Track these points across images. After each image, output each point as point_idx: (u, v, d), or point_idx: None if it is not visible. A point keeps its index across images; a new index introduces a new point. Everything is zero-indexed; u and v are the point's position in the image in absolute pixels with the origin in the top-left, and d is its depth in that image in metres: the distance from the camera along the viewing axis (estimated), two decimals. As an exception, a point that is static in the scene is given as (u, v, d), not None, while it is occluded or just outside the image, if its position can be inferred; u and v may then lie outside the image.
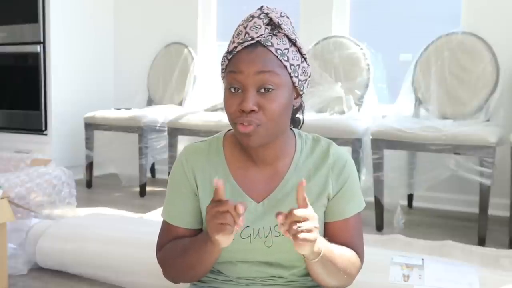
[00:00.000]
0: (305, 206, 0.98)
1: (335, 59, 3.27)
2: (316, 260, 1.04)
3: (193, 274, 1.16)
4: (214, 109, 3.47)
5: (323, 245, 1.04)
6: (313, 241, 0.98)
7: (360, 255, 1.19)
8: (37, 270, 2.11)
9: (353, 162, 1.20)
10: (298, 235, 0.95)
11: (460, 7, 3.22)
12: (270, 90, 1.05)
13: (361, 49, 3.24)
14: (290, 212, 0.96)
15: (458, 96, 2.95)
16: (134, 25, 4.32)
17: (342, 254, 1.12)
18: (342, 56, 3.26)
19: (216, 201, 0.98)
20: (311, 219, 0.97)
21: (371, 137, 2.74)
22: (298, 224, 0.95)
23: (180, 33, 4.04)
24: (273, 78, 1.05)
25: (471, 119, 2.85)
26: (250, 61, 1.05)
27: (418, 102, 3.06)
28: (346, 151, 1.22)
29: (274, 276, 1.18)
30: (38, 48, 3.87)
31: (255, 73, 1.04)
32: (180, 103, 3.85)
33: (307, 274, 1.20)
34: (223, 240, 1.01)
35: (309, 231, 0.96)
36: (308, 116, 3.15)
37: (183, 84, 3.88)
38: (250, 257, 1.16)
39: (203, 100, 3.82)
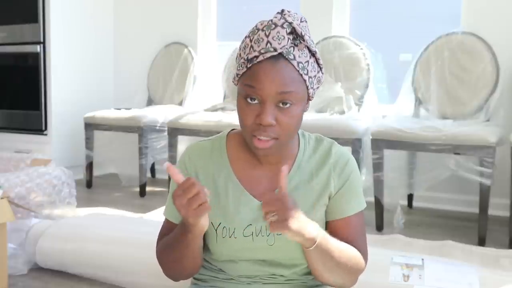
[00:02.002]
0: (284, 194, 1.01)
1: (335, 59, 3.27)
2: (312, 248, 1.05)
3: (181, 268, 1.17)
4: (214, 109, 3.47)
5: (318, 233, 1.05)
6: (287, 229, 0.99)
7: (364, 254, 1.19)
8: (37, 270, 2.11)
9: (355, 161, 1.21)
10: (272, 224, 0.99)
11: (460, 7, 3.22)
12: (288, 104, 1.05)
13: (361, 49, 3.24)
14: (263, 202, 0.99)
15: (458, 96, 2.95)
16: (134, 25, 4.32)
17: (342, 248, 1.12)
18: (342, 56, 3.27)
19: (181, 189, 0.99)
20: (281, 208, 0.99)
21: (371, 137, 2.75)
22: (271, 216, 0.98)
23: (180, 33, 4.04)
24: (293, 96, 1.05)
25: (471, 119, 2.85)
26: (272, 78, 1.03)
27: (418, 102, 3.06)
28: (355, 161, 1.22)
29: (275, 275, 1.18)
30: (38, 48, 3.87)
31: (276, 93, 1.04)
32: (180, 103, 3.85)
33: (308, 273, 1.20)
34: (204, 221, 1.04)
35: (283, 220, 0.98)
36: (308, 116, 3.15)
37: (183, 84, 3.88)
38: (252, 256, 1.16)
39: (203, 100, 3.82)
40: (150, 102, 4.06)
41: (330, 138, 1.24)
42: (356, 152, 2.78)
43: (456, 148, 2.53)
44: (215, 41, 4.12)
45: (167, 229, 1.21)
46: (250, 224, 1.14)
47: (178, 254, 1.13)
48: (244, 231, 1.14)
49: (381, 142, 2.69)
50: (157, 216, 2.71)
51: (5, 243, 1.84)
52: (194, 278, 1.27)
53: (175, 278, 1.22)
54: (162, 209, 1.26)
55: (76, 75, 4.06)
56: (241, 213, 1.15)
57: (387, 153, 2.74)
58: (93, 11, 4.21)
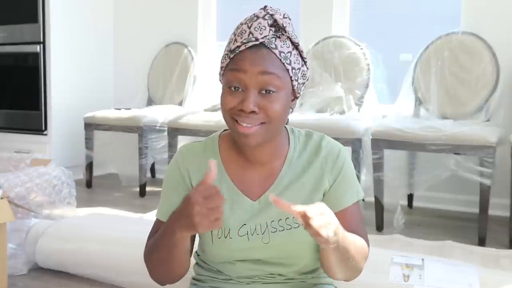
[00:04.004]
0: (308, 215, 0.94)
1: (335, 59, 3.27)
2: (334, 246, 1.00)
3: (167, 270, 1.13)
4: (214, 109, 3.47)
5: (340, 231, 1.01)
6: (338, 238, 0.97)
7: (366, 242, 1.18)
8: (37, 270, 2.11)
9: (346, 151, 1.19)
10: (322, 233, 0.93)
11: (460, 7, 3.22)
12: (271, 92, 1.05)
13: (361, 49, 3.24)
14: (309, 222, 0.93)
15: (458, 96, 2.95)
16: (134, 25, 4.32)
17: (355, 241, 1.10)
18: (342, 56, 3.26)
19: (202, 195, 0.94)
20: (328, 219, 0.94)
21: (371, 137, 2.74)
22: (327, 229, 0.93)
23: (180, 33, 4.04)
24: (275, 81, 1.05)
25: (471, 119, 2.85)
26: (254, 61, 1.04)
27: (418, 102, 3.06)
28: (346, 151, 1.22)
29: (273, 274, 1.18)
30: (38, 48, 3.87)
31: (259, 73, 1.04)
32: (180, 103, 3.85)
33: (307, 272, 1.21)
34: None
35: (332, 232, 0.95)
36: (308, 116, 3.15)
37: (183, 84, 3.88)
38: (249, 255, 1.16)
39: (203, 100, 3.82)
40: (150, 102, 4.06)
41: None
42: (356, 152, 2.79)
43: (456, 148, 2.53)
44: (215, 41, 4.12)
45: (157, 228, 1.20)
46: (245, 224, 1.14)
47: (165, 255, 1.10)
48: (239, 231, 1.14)
49: (381, 142, 2.69)
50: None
51: (5, 243, 1.84)
52: (193, 279, 1.27)
53: (161, 282, 1.19)
54: (156, 212, 1.24)
55: (76, 75, 4.06)
56: (235, 213, 1.15)
57: (387, 153, 2.74)
58: (93, 11, 4.21)
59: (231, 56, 1.08)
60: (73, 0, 4.02)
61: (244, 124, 1.05)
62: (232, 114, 1.07)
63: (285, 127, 1.20)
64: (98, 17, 4.27)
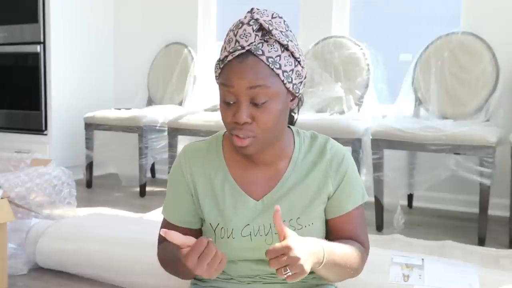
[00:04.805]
0: (286, 244, 0.96)
1: (335, 59, 3.27)
2: (319, 267, 1.04)
3: (182, 277, 1.19)
4: (214, 109, 3.47)
5: (324, 252, 1.04)
6: (305, 274, 0.97)
7: (365, 245, 1.19)
8: (37, 270, 2.11)
9: (350, 156, 1.20)
10: (289, 277, 0.96)
11: (460, 7, 3.22)
12: (264, 101, 1.05)
13: (361, 49, 3.24)
14: (270, 261, 0.96)
15: (458, 96, 2.95)
16: (134, 25, 4.32)
17: (345, 252, 1.11)
18: (342, 56, 3.26)
19: (196, 254, 0.97)
20: (291, 261, 0.94)
21: (371, 137, 2.74)
22: (284, 272, 0.95)
23: (180, 33, 4.04)
24: (265, 91, 1.04)
25: (471, 119, 2.85)
26: (240, 75, 1.03)
27: (418, 102, 3.06)
28: (350, 155, 1.22)
29: (275, 274, 1.18)
30: (38, 48, 3.87)
31: (247, 87, 1.04)
32: (180, 103, 3.85)
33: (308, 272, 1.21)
34: None
35: (296, 272, 0.95)
36: (308, 116, 3.15)
37: (183, 84, 3.88)
38: (251, 255, 1.16)
39: (203, 100, 3.82)
40: (150, 102, 4.06)
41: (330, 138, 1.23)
42: (356, 152, 2.79)
43: (456, 148, 2.53)
44: (215, 41, 4.11)
45: (166, 228, 1.22)
46: (248, 224, 1.14)
47: (180, 273, 1.16)
48: (242, 231, 1.14)
49: (381, 142, 2.69)
50: (157, 216, 2.71)
51: (5, 243, 1.85)
52: (194, 278, 1.27)
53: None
54: (162, 209, 1.26)
55: (76, 75, 4.06)
56: (238, 213, 1.15)
57: (387, 153, 2.74)
58: (93, 11, 4.21)
59: (221, 66, 1.08)
60: (73, 0, 4.02)
61: (241, 135, 1.06)
62: (230, 129, 1.08)
63: (290, 128, 1.21)
64: (98, 17, 4.27)
